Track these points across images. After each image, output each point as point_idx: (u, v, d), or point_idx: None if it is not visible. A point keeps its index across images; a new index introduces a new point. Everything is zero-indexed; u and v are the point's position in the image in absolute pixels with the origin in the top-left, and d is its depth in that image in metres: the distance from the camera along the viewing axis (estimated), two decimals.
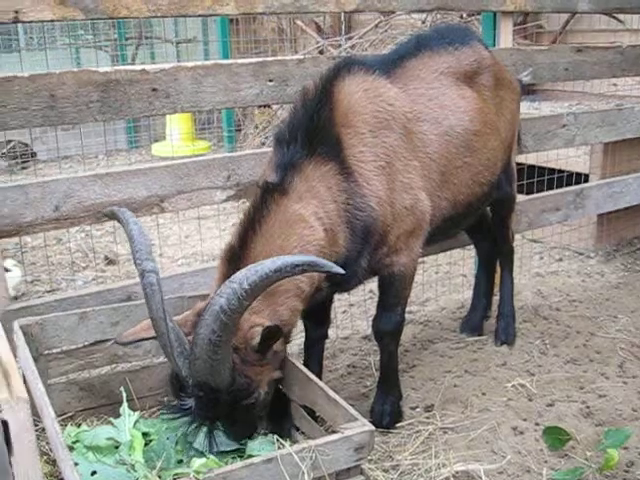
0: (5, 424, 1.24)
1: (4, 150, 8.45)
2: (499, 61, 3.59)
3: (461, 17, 6.92)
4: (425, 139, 2.99)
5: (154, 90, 2.99)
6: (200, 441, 2.46)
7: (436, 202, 3.04)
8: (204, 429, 2.38)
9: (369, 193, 2.72)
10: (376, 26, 7.80)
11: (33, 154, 8.78)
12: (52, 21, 2.80)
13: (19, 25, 9.83)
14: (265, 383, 2.46)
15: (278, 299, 2.46)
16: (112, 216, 2.60)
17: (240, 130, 9.53)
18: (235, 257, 2.46)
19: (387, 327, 3.05)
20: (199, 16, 3.10)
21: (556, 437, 2.92)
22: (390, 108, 2.87)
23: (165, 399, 2.82)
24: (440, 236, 3.39)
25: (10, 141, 8.45)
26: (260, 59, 3.29)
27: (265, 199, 2.55)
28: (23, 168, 8.41)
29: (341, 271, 2.13)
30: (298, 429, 2.61)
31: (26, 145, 8.75)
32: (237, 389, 2.31)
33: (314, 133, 2.67)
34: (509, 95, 3.56)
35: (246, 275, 2.05)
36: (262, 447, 2.42)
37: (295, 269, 2.08)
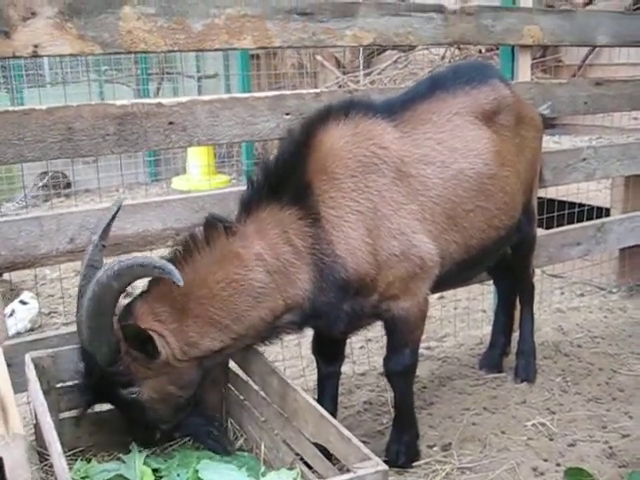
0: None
1: (39, 183, 8.55)
2: (521, 98, 3.52)
3: (480, 52, 6.93)
4: (427, 182, 2.91)
5: (171, 123, 3.00)
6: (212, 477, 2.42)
7: (443, 245, 2.96)
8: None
9: (336, 240, 2.67)
10: (395, 62, 7.84)
11: (55, 186, 8.84)
12: (71, 55, 2.82)
13: (45, 61, 10.01)
14: (150, 387, 2.52)
15: (187, 320, 2.52)
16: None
17: None
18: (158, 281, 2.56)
19: (396, 368, 2.98)
20: (216, 50, 3.12)
21: (578, 478, 2.84)
22: (381, 152, 2.82)
23: None
24: (457, 278, 3.34)
25: (45, 173, 8.52)
26: (277, 92, 3.29)
27: (206, 232, 2.61)
28: (45, 201, 8.46)
29: (180, 282, 2.26)
30: (311, 468, 2.55)
31: (65, 176, 8.84)
32: (113, 372, 2.45)
33: (282, 177, 2.70)
34: (531, 133, 3.48)
35: (120, 261, 2.29)
36: None
37: (154, 270, 2.31)
